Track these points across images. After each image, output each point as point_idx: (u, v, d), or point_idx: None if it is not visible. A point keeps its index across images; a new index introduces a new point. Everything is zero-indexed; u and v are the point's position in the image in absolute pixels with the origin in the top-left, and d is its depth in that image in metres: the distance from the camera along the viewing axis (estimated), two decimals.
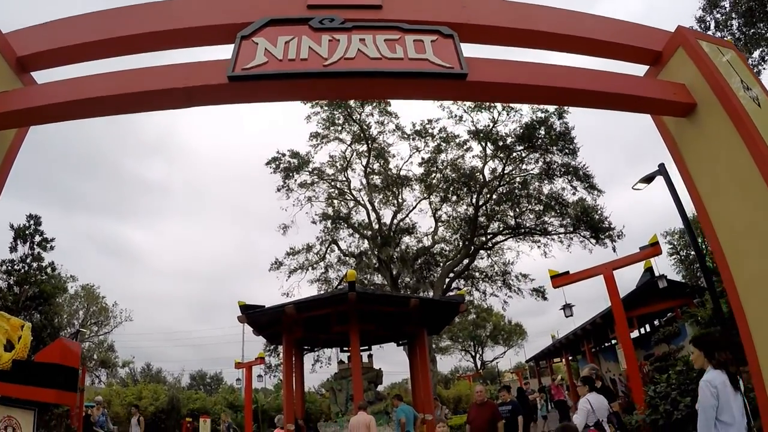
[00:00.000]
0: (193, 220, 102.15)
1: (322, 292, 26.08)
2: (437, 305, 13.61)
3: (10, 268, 19.21)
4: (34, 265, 19.79)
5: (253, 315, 11.65)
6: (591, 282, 10.84)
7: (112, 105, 4.78)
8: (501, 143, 23.93)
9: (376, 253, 25.95)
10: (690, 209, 11.22)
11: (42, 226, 20.69)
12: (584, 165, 23.60)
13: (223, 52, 4.78)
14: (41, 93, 4.88)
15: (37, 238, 20.33)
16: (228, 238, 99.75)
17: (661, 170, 10.35)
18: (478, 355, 54.07)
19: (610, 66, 5.48)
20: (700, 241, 10.89)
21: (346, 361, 13.29)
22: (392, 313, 12.27)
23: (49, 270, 20.45)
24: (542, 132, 23.17)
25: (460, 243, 26.85)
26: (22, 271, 19.31)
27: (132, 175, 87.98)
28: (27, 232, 20.13)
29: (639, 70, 5.92)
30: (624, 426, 7.82)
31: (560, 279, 10.74)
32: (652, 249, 10.76)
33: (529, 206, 25.32)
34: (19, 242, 19.96)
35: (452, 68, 4.52)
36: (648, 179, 10.73)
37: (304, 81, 4.43)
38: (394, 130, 26.71)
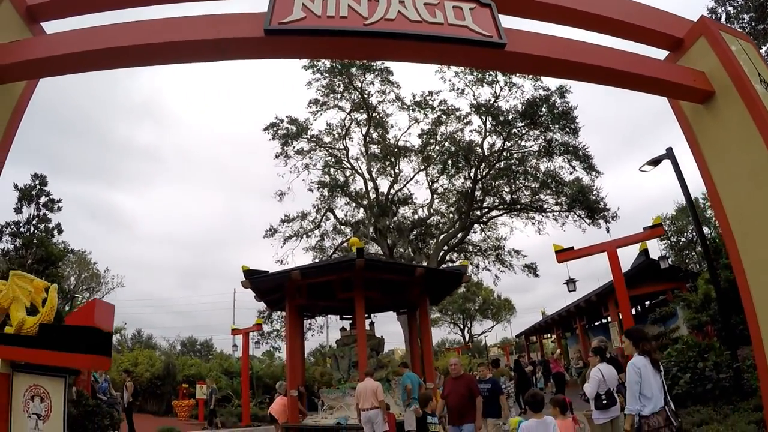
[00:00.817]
0: (184, 187, 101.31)
1: (316, 260, 26.13)
2: (442, 275, 13.74)
3: (15, 230, 18.48)
4: (41, 226, 19.03)
5: (256, 280, 11.65)
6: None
7: (133, 56, 4.56)
8: (502, 118, 23.78)
9: (372, 222, 25.95)
10: (696, 194, 11.38)
11: (48, 186, 19.78)
12: (584, 145, 23.62)
13: (250, 5, 4.60)
14: (54, 43, 4.64)
15: (43, 199, 19.50)
16: (220, 205, 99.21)
17: (669, 154, 10.41)
18: (466, 329, 54.91)
19: (627, 48, 5.52)
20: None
21: (348, 328, 13.41)
22: (397, 281, 12.38)
23: (55, 232, 19.65)
24: (544, 109, 23.04)
25: (455, 216, 26.95)
26: (28, 233, 18.56)
27: (121, 140, 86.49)
28: (32, 192, 19.30)
29: (655, 54, 5.94)
30: None
31: (565, 254, 10.88)
32: (655, 230, 10.93)
33: (526, 183, 25.37)
34: (24, 203, 19.09)
35: (491, 37, 4.50)
36: (655, 162, 10.79)
37: (343, 39, 4.37)
38: (394, 100, 26.47)
